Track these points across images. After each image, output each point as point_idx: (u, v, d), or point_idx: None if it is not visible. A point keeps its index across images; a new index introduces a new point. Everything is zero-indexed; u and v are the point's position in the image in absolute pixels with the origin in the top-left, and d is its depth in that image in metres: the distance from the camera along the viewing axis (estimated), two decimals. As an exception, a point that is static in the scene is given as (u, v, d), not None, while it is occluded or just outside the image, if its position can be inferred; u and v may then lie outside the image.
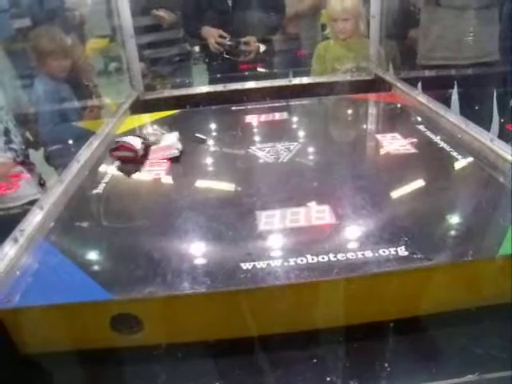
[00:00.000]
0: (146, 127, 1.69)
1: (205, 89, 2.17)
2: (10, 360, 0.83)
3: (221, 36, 2.43)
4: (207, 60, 2.66)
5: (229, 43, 2.44)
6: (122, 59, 2.19)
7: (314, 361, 0.79)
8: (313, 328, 0.83)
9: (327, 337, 0.83)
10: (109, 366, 0.84)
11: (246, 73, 2.43)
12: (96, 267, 0.91)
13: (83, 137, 2.02)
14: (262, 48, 2.53)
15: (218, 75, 2.49)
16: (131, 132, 1.53)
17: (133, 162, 1.37)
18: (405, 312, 0.85)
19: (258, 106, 1.82)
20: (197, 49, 2.86)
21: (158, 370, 0.81)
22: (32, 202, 1.71)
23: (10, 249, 0.93)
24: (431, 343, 0.83)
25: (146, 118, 1.81)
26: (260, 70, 2.51)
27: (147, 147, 1.43)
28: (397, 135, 1.41)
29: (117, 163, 1.37)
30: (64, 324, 0.83)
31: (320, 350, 0.82)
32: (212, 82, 2.58)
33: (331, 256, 0.84)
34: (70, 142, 1.98)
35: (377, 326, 0.83)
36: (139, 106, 2.01)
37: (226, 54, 2.45)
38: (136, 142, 1.40)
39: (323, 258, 0.84)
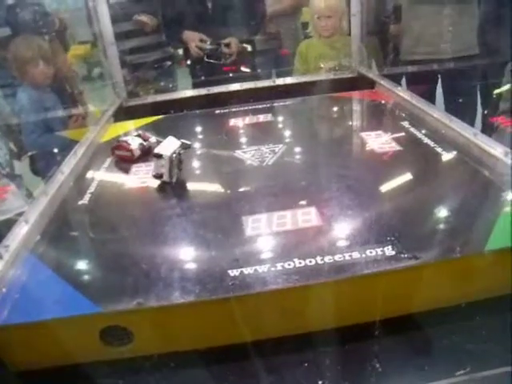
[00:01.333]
0: (131, 134, 1.68)
1: (188, 93, 2.16)
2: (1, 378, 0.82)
3: (201, 40, 2.43)
4: (189, 63, 2.65)
5: (209, 47, 2.43)
6: (104, 65, 2.18)
7: (307, 365, 0.79)
8: (305, 331, 0.83)
9: (319, 340, 0.83)
10: (100, 379, 0.83)
11: (231, 74, 2.43)
12: (83, 280, 0.90)
13: (68, 146, 2.02)
14: (249, 49, 2.53)
15: (202, 78, 2.48)
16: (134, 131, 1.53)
17: (129, 161, 1.39)
18: (395, 311, 0.85)
19: (242, 109, 1.82)
20: (180, 52, 2.85)
21: (151, 380, 0.81)
22: (20, 215, 1.70)
23: (-5, 265, 0.92)
24: (424, 341, 0.83)
25: (130, 124, 1.80)
26: (244, 69, 2.51)
27: (147, 148, 1.43)
28: (381, 133, 1.42)
29: (102, 171, 1.37)
30: (53, 339, 0.82)
31: (312, 352, 0.82)
32: (195, 85, 2.58)
33: (318, 259, 0.84)
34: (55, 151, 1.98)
35: (368, 327, 0.83)
36: (123, 113, 1.99)
37: (207, 57, 2.44)
38: (134, 142, 1.41)
39: (310, 262, 0.84)
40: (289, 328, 0.83)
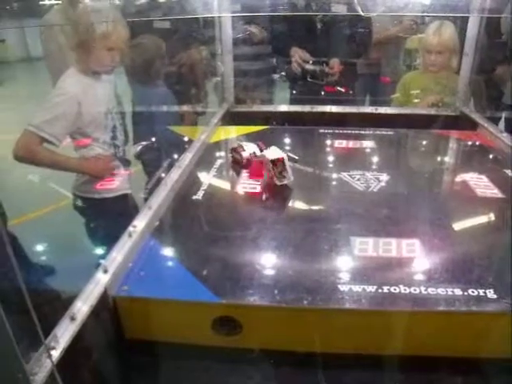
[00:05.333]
0: (241, 140, 1.76)
1: (292, 108, 2.24)
2: (116, 341, 0.92)
3: (304, 60, 2.51)
4: (290, 78, 2.74)
5: (311, 67, 2.51)
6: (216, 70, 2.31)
7: None
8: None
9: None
10: (201, 361, 0.92)
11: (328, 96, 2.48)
12: (202, 270, 0.97)
13: (175, 140, 2.16)
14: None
15: (300, 95, 2.56)
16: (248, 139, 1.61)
17: (239, 165, 1.48)
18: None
19: (345, 132, 1.87)
20: (282, 65, 2.95)
21: (249, 371, 0.89)
22: (123, 195, 1.85)
23: (125, 243, 1.03)
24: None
25: (238, 130, 1.91)
26: (340, 89, 2.55)
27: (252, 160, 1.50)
28: (483, 177, 1.43)
29: (213, 172, 1.48)
30: (168, 317, 0.92)
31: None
32: (293, 100, 2.66)
33: (422, 289, 0.90)
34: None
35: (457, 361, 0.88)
36: (228, 118, 2.11)
37: (311, 77, 2.52)
38: (248, 149, 1.48)
39: (415, 290, 0.89)
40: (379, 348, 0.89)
